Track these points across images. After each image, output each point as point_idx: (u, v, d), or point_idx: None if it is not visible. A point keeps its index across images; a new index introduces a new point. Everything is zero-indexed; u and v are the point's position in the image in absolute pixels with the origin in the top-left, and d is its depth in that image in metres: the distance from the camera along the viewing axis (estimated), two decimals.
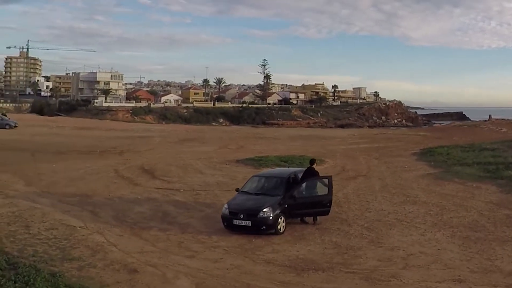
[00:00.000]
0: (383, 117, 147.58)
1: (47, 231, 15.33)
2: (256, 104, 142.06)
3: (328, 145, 46.44)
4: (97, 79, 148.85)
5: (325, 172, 26.36)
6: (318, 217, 16.34)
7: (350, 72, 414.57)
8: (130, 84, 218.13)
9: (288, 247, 13.75)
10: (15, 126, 58.63)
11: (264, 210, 14.99)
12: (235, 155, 35.00)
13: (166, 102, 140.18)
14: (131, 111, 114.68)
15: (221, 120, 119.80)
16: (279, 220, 15.12)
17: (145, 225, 16.36)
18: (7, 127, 57.41)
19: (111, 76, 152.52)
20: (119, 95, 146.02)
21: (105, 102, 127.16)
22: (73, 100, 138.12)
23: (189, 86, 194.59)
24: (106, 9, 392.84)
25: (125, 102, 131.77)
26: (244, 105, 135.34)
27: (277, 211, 15.14)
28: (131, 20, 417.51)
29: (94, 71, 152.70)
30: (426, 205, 18.74)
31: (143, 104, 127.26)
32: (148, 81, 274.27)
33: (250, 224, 14.96)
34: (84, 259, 12.70)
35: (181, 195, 21.00)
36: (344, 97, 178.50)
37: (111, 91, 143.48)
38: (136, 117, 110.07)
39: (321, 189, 16.70)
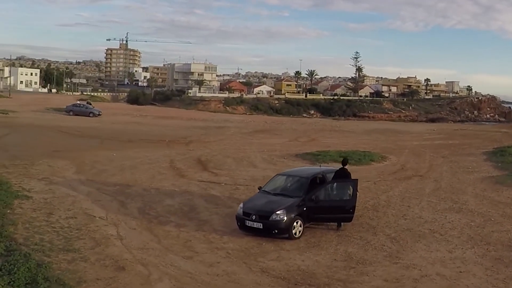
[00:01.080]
0: (475, 112, 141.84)
1: (65, 219, 15.30)
2: (348, 96, 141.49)
3: (401, 140, 44.10)
4: (191, 70, 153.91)
5: (381, 171, 25.00)
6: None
7: (444, 66, 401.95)
8: (228, 75, 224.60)
9: (296, 255, 12.56)
10: (99, 114, 60.86)
11: (277, 212, 13.94)
12: (300, 149, 33.94)
13: (258, 93, 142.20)
14: (223, 102, 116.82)
15: (312, 112, 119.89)
16: (295, 224, 13.97)
17: (164, 219, 15.88)
18: (91, 115, 59.95)
19: (205, 67, 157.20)
20: (213, 85, 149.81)
21: (198, 92, 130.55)
22: (168, 90, 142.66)
23: (284, 77, 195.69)
24: (206, 3, 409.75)
25: (218, 93, 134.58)
26: (336, 97, 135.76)
27: (293, 214, 14.02)
28: (229, 13, 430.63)
29: (188, 63, 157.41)
30: (471, 214, 16.58)
31: (236, 95, 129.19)
32: (246, 72, 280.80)
33: (261, 227, 13.99)
34: (82, 252, 12.43)
35: (219, 189, 20.32)
36: (436, 90, 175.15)
37: (205, 82, 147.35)
38: (227, 107, 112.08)
39: (345, 193, 15.31)
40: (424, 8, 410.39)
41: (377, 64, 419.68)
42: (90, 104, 65.78)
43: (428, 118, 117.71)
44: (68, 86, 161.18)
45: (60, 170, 23.37)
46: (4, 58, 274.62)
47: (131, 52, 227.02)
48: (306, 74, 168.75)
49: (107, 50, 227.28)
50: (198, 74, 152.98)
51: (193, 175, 23.61)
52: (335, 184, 15.55)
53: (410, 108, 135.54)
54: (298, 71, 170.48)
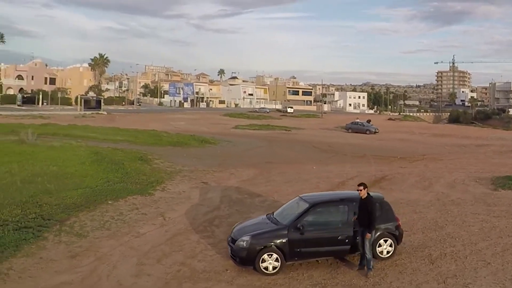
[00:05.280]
0: None
1: (132, 213, 16.09)
2: None
3: None
4: None
5: None
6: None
7: None
8: None
9: None
10: (375, 132, 60.27)
11: (243, 238, 11.45)
12: None
13: None
14: None
15: None
16: (265, 256, 11.15)
17: (206, 229, 14.74)
18: (367, 132, 59.82)
19: None
20: None
21: None
22: (489, 109, 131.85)
23: None
24: None
25: None
26: None
27: (263, 245, 11.25)
28: None
29: (509, 81, 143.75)
30: None
31: None
32: None
33: (230, 252, 11.82)
34: (73, 234, 13.23)
35: None
36: None
37: None
38: None
39: (338, 220, 11.82)
40: None
41: None
42: (369, 122, 65.29)
43: None
44: (393, 107, 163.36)
45: (231, 178, 23.65)
46: (351, 84, 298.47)
47: (461, 74, 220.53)
48: None
49: (437, 73, 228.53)
50: None
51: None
52: (325, 209, 12.12)
53: None
54: None
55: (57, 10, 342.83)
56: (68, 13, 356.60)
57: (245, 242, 11.31)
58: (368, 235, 11.16)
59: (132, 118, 67.39)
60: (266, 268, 11.11)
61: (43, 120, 53.31)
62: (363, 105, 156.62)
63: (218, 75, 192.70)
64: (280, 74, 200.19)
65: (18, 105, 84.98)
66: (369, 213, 11.23)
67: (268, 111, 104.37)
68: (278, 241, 11.27)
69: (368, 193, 11.55)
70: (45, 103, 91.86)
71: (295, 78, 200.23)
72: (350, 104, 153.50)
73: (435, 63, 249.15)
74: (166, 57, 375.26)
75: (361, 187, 11.47)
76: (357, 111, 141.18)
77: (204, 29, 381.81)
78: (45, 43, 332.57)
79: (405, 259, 11.96)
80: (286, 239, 11.27)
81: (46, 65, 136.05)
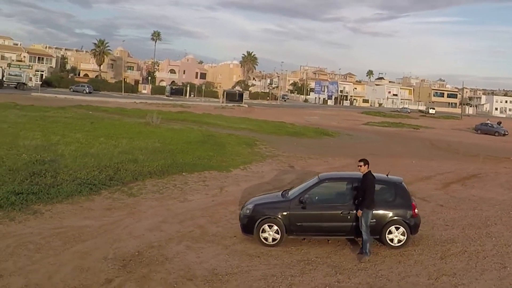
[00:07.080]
0: None
1: (196, 185, 16.09)
2: None
3: None
4: None
5: None
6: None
7: None
8: None
9: (210, 252, 10.02)
10: (504, 134, 55.25)
11: (248, 207, 11.08)
12: None
13: None
14: None
15: None
16: (265, 227, 10.58)
17: (227, 199, 14.55)
18: (496, 134, 55.18)
19: None
20: None
21: None
22: None
23: None
24: None
25: None
26: None
27: (265, 214, 10.70)
28: None
29: None
30: None
31: None
32: None
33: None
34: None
35: None
36: None
37: None
38: None
39: (341, 197, 10.92)
40: None
41: None
42: (500, 124, 59.27)
43: None
44: None
45: (321, 165, 22.79)
46: (504, 89, 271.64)
47: None
48: None
49: None
50: None
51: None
52: (332, 185, 11.22)
53: None
54: None
55: (219, 12, 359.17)
56: (230, 15, 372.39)
57: (248, 210, 10.96)
58: (359, 211, 10.15)
59: (269, 112, 68.57)
60: (266, 239, 10.61)
61: (182, 109, 56.52)
62: (510, 110, 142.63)
63: (367, 75, 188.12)
64: (428, 77, 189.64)
65: (166, 96, 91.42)
66: (363, 190, 10.22)
67: (409, 111, 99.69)
68: (280, 213, 10.71)
69: (369, 171, 10.48)
70: (192, 95, 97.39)
71: (443, 80, 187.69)
72: (496, 108, 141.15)
73: None
74: (320, 57, 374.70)
75: (361, 163, 10.45)
76: (503, 115, 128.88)
77: (360, 32, 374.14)
78: (204, 42, 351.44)
79: (416, 251, 10.56)
80: (288, 212, 10.68)
81: (201, 62, 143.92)
